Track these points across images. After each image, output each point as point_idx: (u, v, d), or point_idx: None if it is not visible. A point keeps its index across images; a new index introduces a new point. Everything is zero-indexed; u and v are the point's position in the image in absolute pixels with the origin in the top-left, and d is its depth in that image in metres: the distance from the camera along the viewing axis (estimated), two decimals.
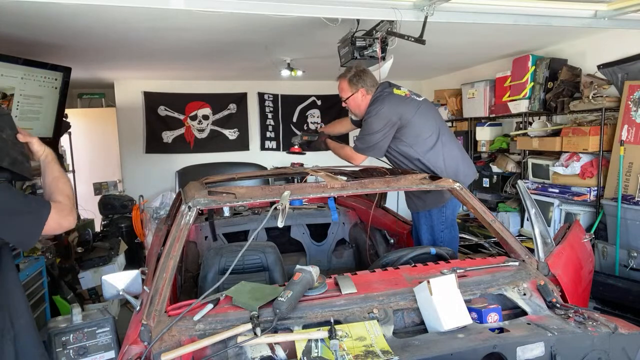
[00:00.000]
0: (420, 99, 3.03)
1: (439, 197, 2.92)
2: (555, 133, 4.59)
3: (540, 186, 4.64)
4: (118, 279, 1.87)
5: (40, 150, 1.83)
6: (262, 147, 7.24)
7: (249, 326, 1.65)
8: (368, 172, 3.05)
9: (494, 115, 5.49)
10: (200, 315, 1.74)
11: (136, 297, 1.90)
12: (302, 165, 3.39)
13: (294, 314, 1.76)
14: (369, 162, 3.13)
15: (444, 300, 1.79)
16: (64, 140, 5.72)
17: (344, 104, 3.13)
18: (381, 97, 2.94)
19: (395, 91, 3.00)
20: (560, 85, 4.48)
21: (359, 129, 3.35)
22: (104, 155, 7.09)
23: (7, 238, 1.60)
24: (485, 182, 5.63)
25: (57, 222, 1.66)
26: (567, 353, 1.70)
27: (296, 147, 3.48)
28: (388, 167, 3.14)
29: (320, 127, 7.29)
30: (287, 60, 5.14)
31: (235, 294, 1.89)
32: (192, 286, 2.89)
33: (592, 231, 4.06)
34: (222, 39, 4.08)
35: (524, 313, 1.96)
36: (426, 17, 2.78)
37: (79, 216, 5.78)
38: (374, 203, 3.63)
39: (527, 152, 4.96)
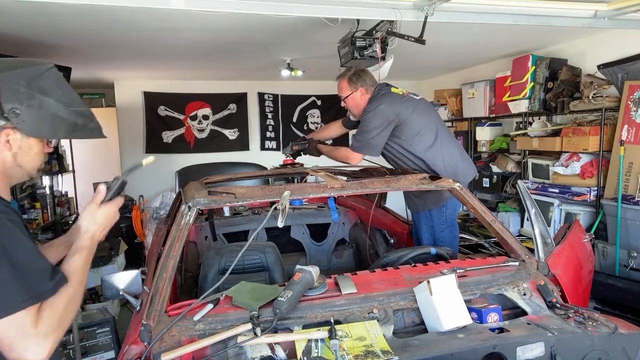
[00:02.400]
0: (418, 97, 3.04)
1: (438, 196, 2.92)
2: (555, 133, 4.59)
3: (540, 186, 4.64)
4: (118, 279, 1.87)
5: (86, 227, 1.33)
6: (262, 147, 7.24)
7: (249, 326, 1.65)
8: (368, 172, 3.05)
9: (494, 115, 5.49)
10: (200, 315, 1.74)
11: (136, 297, 1.89)
12: (302, 165, 3.39)
13: (294, 314, 1.76)
14: (368, 161, 3.12)
15: (444, 300, 1.79)
16: (63, 140, 5.72)
17: (342, 104, 3.14)
18: (379, 95, 2.96)
19: (393, 90, 3.01)
20: (560, 85, 4.48)
21: (350, 132, 3.36)
22: (104, 155, 7.09)
23: None
24: (485, 182, 5.63)
25: (8, 338, 1.08)
26: (567, 353, 1.70)
27: (288, 158, 3.45)
28: (388, 167, 3.14)
29: (317, 128, 7.32)
30: (287, 60, 5.14)
31: (235, 294, 1.89)
32: (192, 286, 2.89)
33: (592, 231, 4.06)
34: (222, 39, 4.08)
35: (524, 313, 1.96)
36: (426, 17, 2.78)
37: (78, 216, 5.78)
38: (374, 203, 3.63)
39: (527, 152, 4.96)
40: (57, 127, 1.27)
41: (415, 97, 3.03)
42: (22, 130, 1.22)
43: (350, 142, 3.09)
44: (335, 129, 3.55)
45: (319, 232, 3.92)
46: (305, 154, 3.43)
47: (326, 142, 3.58)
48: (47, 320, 1.13)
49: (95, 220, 1.34)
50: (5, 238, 1.13)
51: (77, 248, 1.31)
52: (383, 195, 3.76)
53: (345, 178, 2.79)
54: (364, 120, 2.95)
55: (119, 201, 1.37)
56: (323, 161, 3.40)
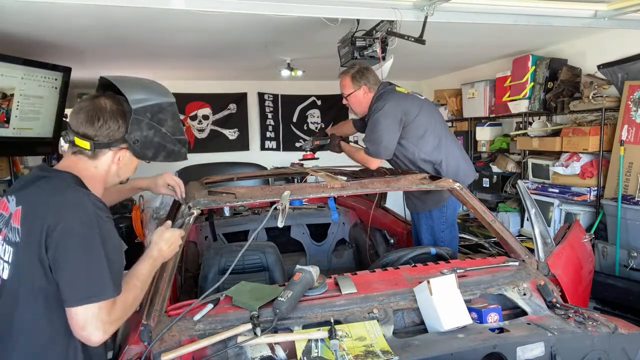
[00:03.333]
0: (422, 97, 3.03)
1: (438, 196, 2.91)
2: (555, 133, 4.59)
3: (540, 186, 4.64)
4: None
5: (156, 241, 1.58)
6: (262, 147, 7.24)
7: (249, 326, 1.65)
8: (368, 172, 3.05)
9: (494, 115, 5.49)
10: (200, 315, 1.74)
11: None
12: (302, 165, 3.39)
13: (294, 314, 1.76)
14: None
15: (444, 300, 1.79)
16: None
17: (344, 101, 3.09)
18: (385, 94, 2.92)
19: (398, 88, 2.99)
20: (560, 85, 4.48)
21: (358, 133, 3.32)
22: None
23: (60, 281, 1.25)
24: (485, 182, 5.63)
25: (85, 320, 1.25)
26: (567, 353, 1.70)
27: (308, 153, 3.34)
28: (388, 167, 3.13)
29: (321, 127, 7.32)
30: (287, 60, 5.14)
31: (235, 294, 1.89)
32: (192, 286, 2.88)
33: (592, 231, 4.05)
34: (222, 39, 4.08)
35: (524, 313, 1.96)
36: (426, 17, 2.78)
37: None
38: (374, 203, 3.62)
39: (527, 152, 4.96)
40: (159, 152, 1.50)
41: (419, 96, 3.02)
42: (132, 152, 1.46)
43: (364, 147, 3.00)
44: (348, 128, 3.45)
45: (319, 232, 3.92)
46: (326, 149, 3.32)
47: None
48: (118, 312, 1.32)
49: (163, 237, 1.60)
50: (105, 232, 1.33)
51: (145, 256, 1.54)
52: (383, 195, 3.76)
53: (345, 178, 2.79)
54: (373, 122, 2.88)
55: (182, 231, 1.68)
56: (323, 161, 3.39)
